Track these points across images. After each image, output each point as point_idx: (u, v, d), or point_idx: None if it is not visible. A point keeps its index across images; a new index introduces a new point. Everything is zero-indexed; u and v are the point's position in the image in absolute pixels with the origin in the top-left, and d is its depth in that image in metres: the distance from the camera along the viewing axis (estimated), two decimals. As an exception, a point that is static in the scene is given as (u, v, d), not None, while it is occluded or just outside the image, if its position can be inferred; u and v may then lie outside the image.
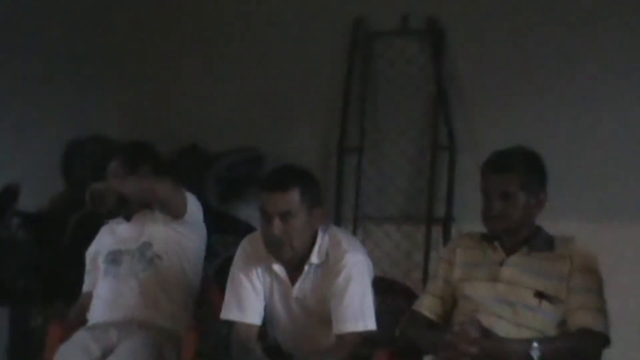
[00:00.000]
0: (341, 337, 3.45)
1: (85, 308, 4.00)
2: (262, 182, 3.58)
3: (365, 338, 3.45)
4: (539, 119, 4.63)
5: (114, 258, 4.00)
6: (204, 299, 4.00)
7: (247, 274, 3.62)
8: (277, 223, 3.44)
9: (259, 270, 3.62)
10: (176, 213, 3.94)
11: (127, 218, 4.10)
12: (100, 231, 4.16)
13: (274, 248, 3.51)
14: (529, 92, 4.73)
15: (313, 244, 3.54)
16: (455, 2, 4.92)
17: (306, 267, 3.54)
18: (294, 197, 3.45)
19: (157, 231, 3.99)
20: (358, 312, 3.46)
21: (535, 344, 3.15)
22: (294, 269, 3.56)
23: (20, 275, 4.52)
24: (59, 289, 4.32)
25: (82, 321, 3.94)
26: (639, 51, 4.52)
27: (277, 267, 3.57)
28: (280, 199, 3.44)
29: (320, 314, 3.54)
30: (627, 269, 3.71)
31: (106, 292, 3.97)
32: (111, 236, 4.10)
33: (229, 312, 3.61)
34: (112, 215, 4.04)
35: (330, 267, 3.52)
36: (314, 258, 3.53)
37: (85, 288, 4.11)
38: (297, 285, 3.56)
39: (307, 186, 3.52)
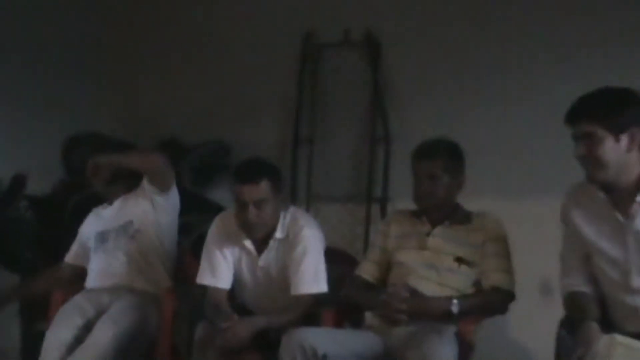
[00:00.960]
0: (297, 298, 3.46)
1: (56, 278, 4.04)
2: (235, 175, 3.52)
3: (317, 299, 3.47)
4: (458, 115, 4.63)
5: (102, 237, 3.98)
6: (181, 268, 3.98)
7: (219, 246, 3.62)
8: (251, 210, 3.44)
9: (230, 243, 3.61)
10: (167, 185, 3.92)
11: (110, 202, 4.07)
12: (88, 217, 4.12)
13: (249, 230, 3.51)
14: (450, 92, 4.74)
15: (277, 222, 3.55)
16: (389, 17, 4.91)
17: (271, 242, 3.55)
18: (265, 187, 3.44)
19: (136, 210, 3.96)
20: (313, 277, 3.48)
21: (454, 301, 3.21)
22: (261, 243, 3.56)
23: (28, 249, 4.48)
24: (60, 260, 4.28)
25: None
26: (530, 58, 4.60)
27: (247, 242, 3.57)
28: (254, 189, 3.43)
29: (281, 279, 3.55)
30: (528, 237, 3.75)
31: (98, 265, 3.95)
32: (98, 220, 4.07)
33: (204, 278, 3.61)
34: (104, 190, 4.01)
35: (290, 241, 3.53)
36: (279, 234, 3.54)
37: (67, 258, 4.09)
38: (263, 256, 3.57)
39: (274, 176, 3.53)
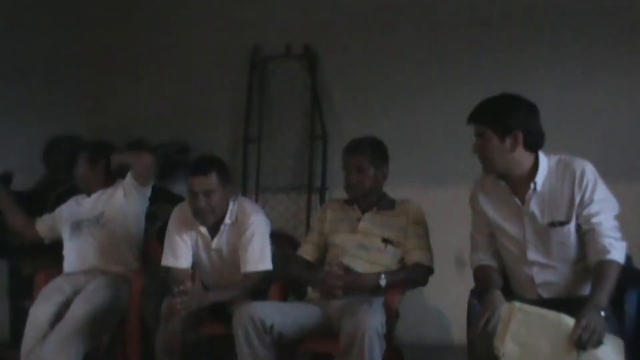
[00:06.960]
0: (246, 275, 3.45)
1: None
2: (188, 168, 3.48)
3: (263, 276, 3.45)
4: (383, 115, 4.64)
5: (77, 226, 3.92)
6: (148, 251, 3.93)
7: (179, 232, 3.57)
8: (201, 199, 3.40)
9: (188, 229, 3.57)
10: (147, 181, 3.89)
11: (89, 195, 4.00)
12: (69, 201, 4.04)
13: (200, 216, 3.47)
14: (376, 96, 4.75)
15: (226, 209, 3.51)
16: (324, 34, 4.89)
17: (222, 227, 3.52)
18: (213, 179, 3.41)
19: (109, 203, 3.91)
20: (259, 257, 3.45)
21: (382, 276, 3.23)
22: (213, 229, 3.53)
23: (15, 237, 4.38)
24: (43, 247, 4.20)
25: None
26: (441, 68, 4.62)
27: (202, 228, 3.54)
28: (203, 180, 3.39)
29: (231, 259, 3.53)
30: (444, 220, 3.74)
31: (73, 251, 3.91)
32: (76, 207, 4.00)
33: (167, 260, 3.56)
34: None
35: (239, 226, 3.50)
36: (227, 219, 3.51)
37: (38, 221, 4.05)
38: (216, 240, 3.53)
39: (221, 170, 3.48)
